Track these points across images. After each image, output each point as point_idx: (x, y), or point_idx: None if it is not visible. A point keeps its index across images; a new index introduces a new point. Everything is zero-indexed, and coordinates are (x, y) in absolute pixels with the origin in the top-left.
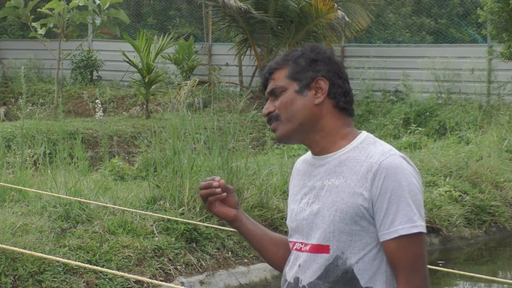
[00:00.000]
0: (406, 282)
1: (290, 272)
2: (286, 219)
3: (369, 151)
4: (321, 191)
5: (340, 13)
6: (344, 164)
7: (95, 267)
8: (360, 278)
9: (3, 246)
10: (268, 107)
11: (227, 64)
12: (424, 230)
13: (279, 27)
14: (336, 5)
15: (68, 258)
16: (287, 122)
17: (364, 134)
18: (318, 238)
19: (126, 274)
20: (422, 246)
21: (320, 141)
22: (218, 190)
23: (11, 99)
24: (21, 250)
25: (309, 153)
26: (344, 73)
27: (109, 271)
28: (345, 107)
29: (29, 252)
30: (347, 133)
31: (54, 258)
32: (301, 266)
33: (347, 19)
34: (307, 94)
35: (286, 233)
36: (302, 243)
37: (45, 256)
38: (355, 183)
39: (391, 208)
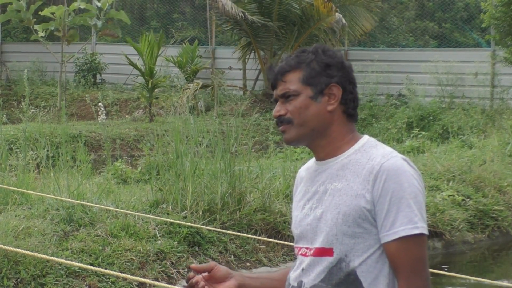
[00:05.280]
0: (407, 284)
1: (293, 276)
2: (289, 223)
3: (371, 153)
4: (324, 195)
5: (337, 15)
6: (346, 168)
7: (97, 268)
8: (363, 280)
9: (6, 248)
10: (279, 109)
11: (230, 68)
12: (425, 231)
13: (282, 31)
14: (334, 7)
15: (71, 261)
16: (299, 127)
17: (365, 137)
18: (322, 241)
19: (128, 276)
20: (423, 247)
21: (326, 147)
22: (195, 279)
23: (14, 102)
24: (23, 251)
25: (311, 160)
26: (354, 78)
27: (112, 272)
28: (353, 113)
29: (32, 253)
30: (351, 138)
31: (56, 259)
32: (304, 270)
33: (343, 21)
34: (321, 100)
35: (289, 237)
36: (307, 248)
37: (47, 257)
38: (358, 186)
39: (391, 210)
